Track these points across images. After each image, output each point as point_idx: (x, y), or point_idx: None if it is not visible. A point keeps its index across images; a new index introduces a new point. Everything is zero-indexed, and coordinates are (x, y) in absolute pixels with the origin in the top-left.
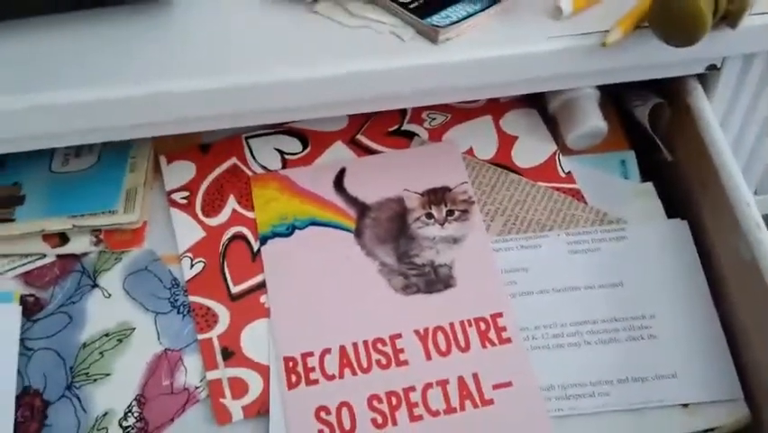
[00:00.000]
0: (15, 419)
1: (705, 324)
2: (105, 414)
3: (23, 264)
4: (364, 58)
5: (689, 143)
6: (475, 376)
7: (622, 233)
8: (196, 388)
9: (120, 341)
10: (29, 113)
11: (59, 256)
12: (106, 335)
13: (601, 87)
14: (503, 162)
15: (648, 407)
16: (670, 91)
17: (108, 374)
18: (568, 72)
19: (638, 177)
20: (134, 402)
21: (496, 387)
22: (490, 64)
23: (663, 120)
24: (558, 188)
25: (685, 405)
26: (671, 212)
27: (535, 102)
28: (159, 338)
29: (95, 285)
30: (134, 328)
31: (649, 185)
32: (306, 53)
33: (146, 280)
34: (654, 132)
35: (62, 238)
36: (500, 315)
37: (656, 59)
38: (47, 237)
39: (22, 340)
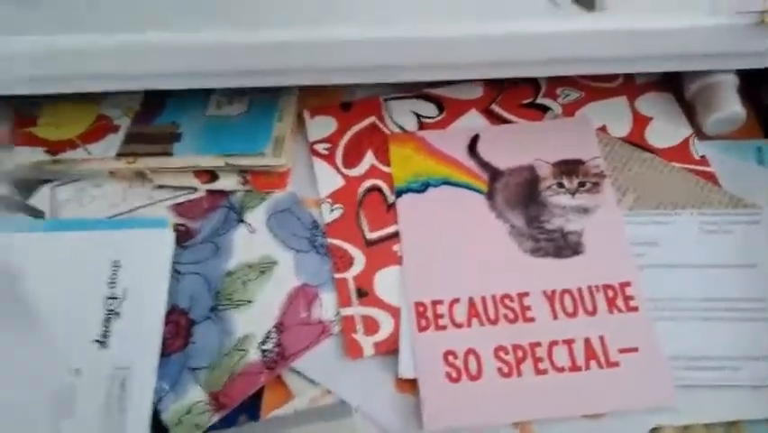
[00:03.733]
0: (163, 335)
1: None
2: (246, 337)
3: (177, 196)
4: (519, 19)
5: None
6: (601, 339)
7: (756, 217)
8: (331, 322)
9: (262, 273)
10: (186, 50)
11: (208, 192)
12: (249, 266)
13: (741, 77)
14: (636, 142)
15: None
16: None
17: (250, 301)
18: (724, 51)
19: None
20: (273, 329)
21: (622, 351)
22: (647, 35)
23: None
24: (692, 170)
25: None
26: None
27: (671, 87)
28: (297, 274)
29: (240, 221)
30: (276, 263)
31: None
32: (457, 11)
33: (288, 219)
34: None
35: (213, 176)
36: (628, 284)
37: None
38: (198, 174)
39: (172, 264)
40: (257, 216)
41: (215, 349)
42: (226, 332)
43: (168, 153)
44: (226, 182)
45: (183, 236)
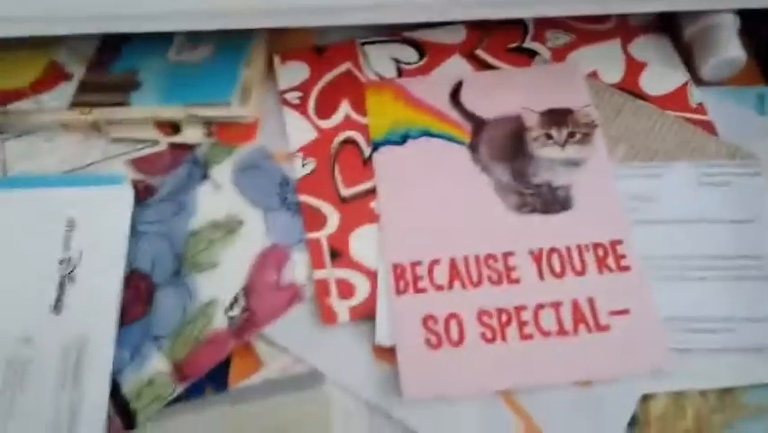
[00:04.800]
0: (122, 301)
1: None
2: (211, 302)
3: (136, 150)
4: None
5: None
6: (590, 301)
7: (755, 168)
8: (303, 285)
9: (229, 233)
10: None
11: (170, 145)
12: (215, 225)
13: (741, 18)
14: (630, 89)
15: None
16: None
17: (216, 264)
18: None
19: None
20: (241, 293)
21: (612, 313)
22: None
23: None
24: (688, 119)
25: None
26: None
27: (668, 30)
28: (267, 233)
29: (205, 176)
30: (243, 222)
31: None
32: None
33: (256, 175)
34: None
35: (175, 128)
36: (620, 242)
37: None
38: (160, 125)
39: (131, 224)
40: (223, 171)
41: (179, 315)
42: (190, 297)
43: (125, 103)
44: (190, 135)
45: (143, 193)
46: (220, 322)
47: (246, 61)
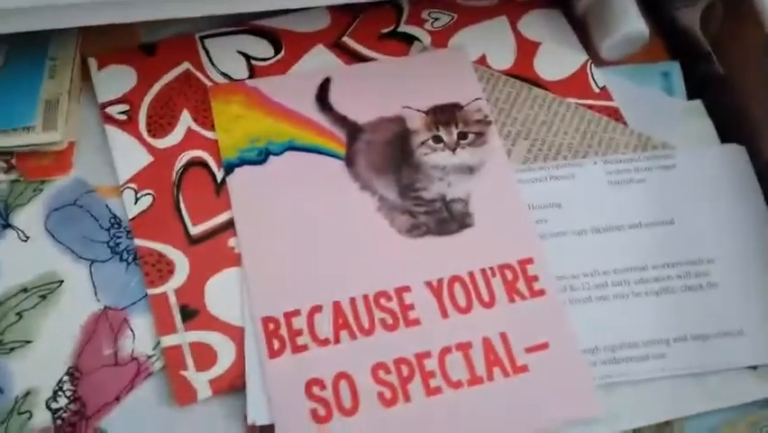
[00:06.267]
0: None
1: None
2: (28, 394)
3: None
4: None
5: (745, 53)
6: (503, 337)
7: (670, 160)
8: (149, 357)
9: (43, 298)
10: None
11: None
12: (24, 290)
13: None
14: (524, 74)
15: (711, 371)
16: None
17: (29, 341)
18: None
19: (684, 93)
20: (66, 377)
21: (529, 350)
22: None
23: (714, 25)
24: (591, 106)
25: (754, 367)
26: (723, 136)
27: (558, 3)
28: (96, 294)
29: (6, 225)
30: (62, 281)
31: (698, 103)
32: None
33: (76, 218)
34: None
35: None
36: (530, 261)
37: None
38: None
39: None
40: (30, 215)
41: None
42: None
43: None
44: None
45: None
46: (42, 419)
47: (49, 71)
